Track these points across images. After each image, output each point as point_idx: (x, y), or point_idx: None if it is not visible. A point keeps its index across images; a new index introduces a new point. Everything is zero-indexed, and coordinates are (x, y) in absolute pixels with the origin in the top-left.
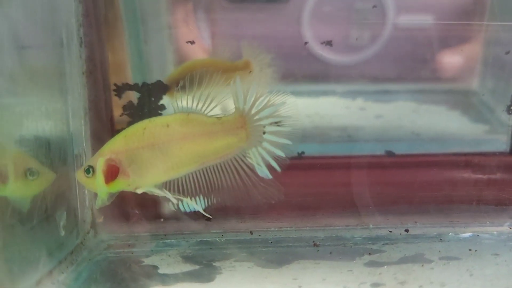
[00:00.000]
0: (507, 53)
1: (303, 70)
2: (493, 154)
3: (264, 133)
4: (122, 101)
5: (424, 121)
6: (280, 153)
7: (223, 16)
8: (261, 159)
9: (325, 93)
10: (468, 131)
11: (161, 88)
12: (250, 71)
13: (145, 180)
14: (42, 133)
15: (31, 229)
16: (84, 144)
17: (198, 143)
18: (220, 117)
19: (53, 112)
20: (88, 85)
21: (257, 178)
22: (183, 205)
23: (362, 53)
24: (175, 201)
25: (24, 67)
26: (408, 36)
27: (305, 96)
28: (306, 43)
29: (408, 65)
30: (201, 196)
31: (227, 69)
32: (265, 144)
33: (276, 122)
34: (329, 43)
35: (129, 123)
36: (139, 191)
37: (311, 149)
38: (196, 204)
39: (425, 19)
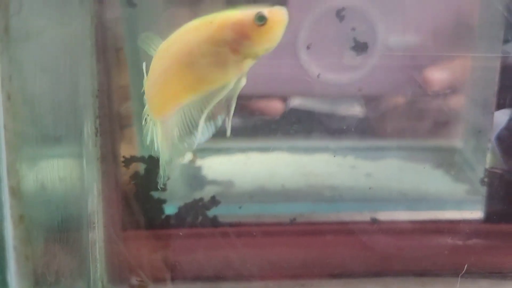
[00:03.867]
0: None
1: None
2: (469, 221)
3: None
4: (129, 170)
5: (410, 180)
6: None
7: None
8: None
9: (319, 150)
10: (450, 191)
11: None
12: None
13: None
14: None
15: None
16: (96, 216)
17: None
18: None
19: (73, 198)
20: (102, 169)
21: None
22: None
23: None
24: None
25: (50, 156)
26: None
27: (301, 153)
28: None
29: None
30: None
31: None
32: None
33: None
34: None
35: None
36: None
37: (305, 209)
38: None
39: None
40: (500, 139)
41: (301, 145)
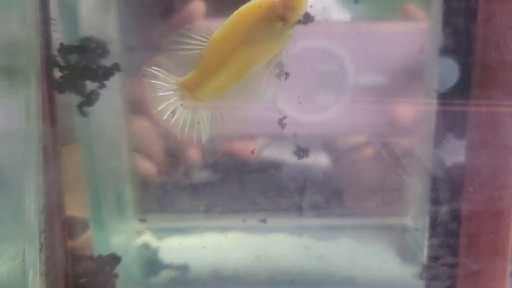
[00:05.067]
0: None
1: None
2: None
3: None
4: (80, 267)
5: (361, 262)
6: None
7: None
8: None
9: (274, 229)
10: (398, 274)
11: (115, 259)
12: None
13: None
14: None
15: None
16: None
17: None
18: None
19: None
20: (46, 283)
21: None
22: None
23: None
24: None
25: None
26: None
27: (257, 233)
28: None
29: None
30: None
31: None
32: None
33: None
34: None
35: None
36: None
37: None
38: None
39: None
40: (434, 235)
41: (257, 225)
